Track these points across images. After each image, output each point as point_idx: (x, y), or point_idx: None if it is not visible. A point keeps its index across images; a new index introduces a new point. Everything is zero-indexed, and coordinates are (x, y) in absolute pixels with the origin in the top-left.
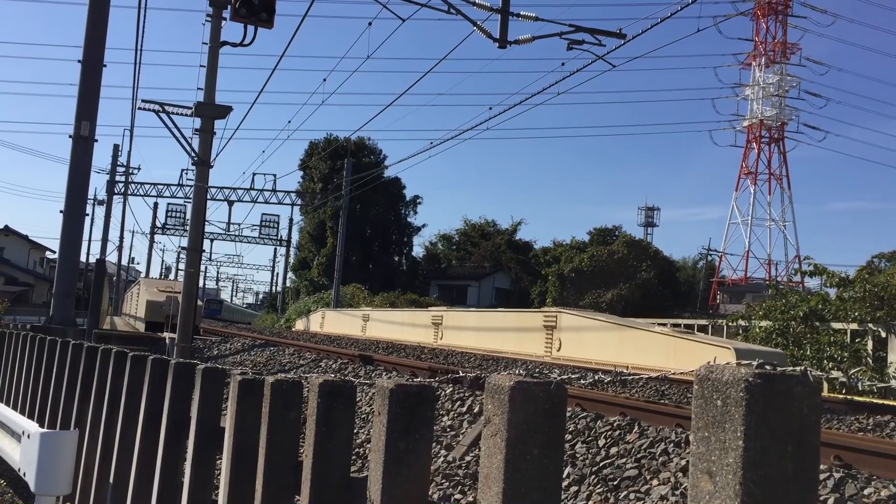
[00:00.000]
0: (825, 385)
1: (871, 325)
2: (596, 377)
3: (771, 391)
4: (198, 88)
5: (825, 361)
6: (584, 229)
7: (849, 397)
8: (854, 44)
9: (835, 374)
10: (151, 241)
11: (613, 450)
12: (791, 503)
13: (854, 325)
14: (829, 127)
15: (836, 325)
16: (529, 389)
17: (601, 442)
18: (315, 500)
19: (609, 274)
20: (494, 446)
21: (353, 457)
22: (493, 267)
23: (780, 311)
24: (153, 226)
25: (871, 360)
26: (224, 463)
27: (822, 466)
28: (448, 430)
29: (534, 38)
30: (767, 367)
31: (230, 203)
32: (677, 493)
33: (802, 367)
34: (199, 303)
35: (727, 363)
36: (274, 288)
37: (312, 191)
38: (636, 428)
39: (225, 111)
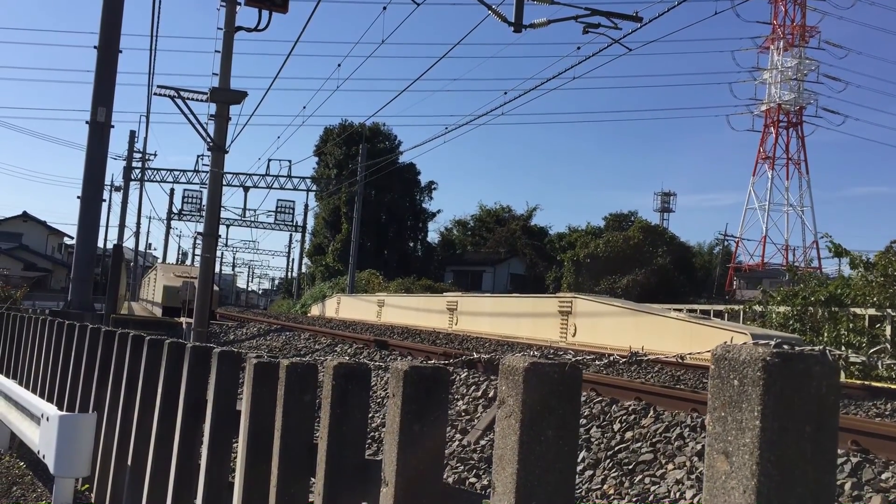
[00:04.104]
0: (842, 371)
1: (889, 310)
2: (611, 357)
3: (789, 371)
4: (213, 74)
5: (843, 347)
6: (599, 215)
7: (867, 383)
8: (874, 27)
9: (853, 357)
10: (168, 227)
11: (628, 434)
12: (809, 484)
13: (872, 311)
14: (848, 111)
15: (856, 311)
16: (544, 371)
17: (616, 426)
18: (330, 481)
19: (624, 259)
20: (509, 428)
21: (368, 441)
22: (508, 253)
23: (801, 296)
24: (169, 211)
25: (889, 346)
26: (240, 445)
27: (839, 451)
28: (463, 414)
29: (549, 22)
30: (785, 347)
31: (246, 189)
32: (693, 477)
33: (822, 347)
34: (216, 288)
35: (744, 343)
36: (289, 274)
37: (327, 177)
38: (651, 412)
39: (240, 97)
